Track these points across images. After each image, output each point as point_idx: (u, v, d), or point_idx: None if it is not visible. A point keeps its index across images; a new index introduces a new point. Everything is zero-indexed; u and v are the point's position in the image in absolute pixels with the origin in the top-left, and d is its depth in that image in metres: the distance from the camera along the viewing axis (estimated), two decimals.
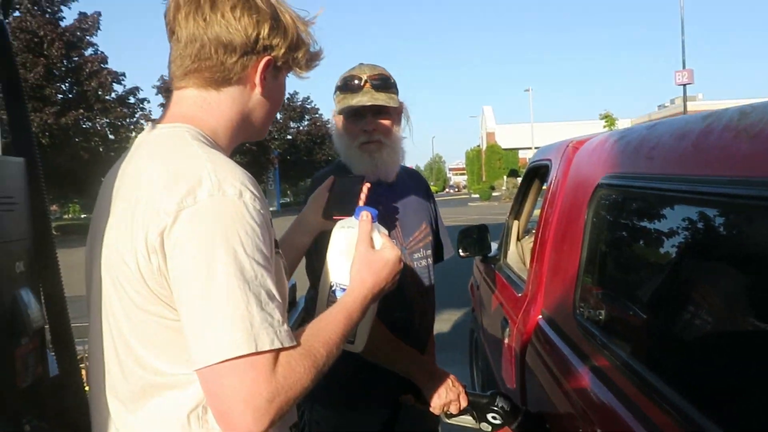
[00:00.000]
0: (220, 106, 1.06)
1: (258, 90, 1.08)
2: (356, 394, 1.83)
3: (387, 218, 1.86)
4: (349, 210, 1.43)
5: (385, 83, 1.81)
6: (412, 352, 1.77)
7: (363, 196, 1.53)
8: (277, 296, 0.93)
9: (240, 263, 0.88)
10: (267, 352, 0.87)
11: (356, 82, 1.79)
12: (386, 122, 1.83)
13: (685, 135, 1.29)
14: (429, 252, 1.98)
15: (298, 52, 1.12)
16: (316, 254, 1.68)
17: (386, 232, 1.29)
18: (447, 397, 1.70)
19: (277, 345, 0.88)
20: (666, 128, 1.44)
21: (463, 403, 1.73)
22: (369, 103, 1.76)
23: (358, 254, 1.19)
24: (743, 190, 1.00)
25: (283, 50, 1.08)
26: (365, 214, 1.26)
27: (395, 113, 1.87)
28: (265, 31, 1.04)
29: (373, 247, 1.21)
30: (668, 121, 1.51)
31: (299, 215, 1.60)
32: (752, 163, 1.01)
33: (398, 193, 1.93)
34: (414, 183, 2.03)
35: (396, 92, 1.85)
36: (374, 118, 1.81)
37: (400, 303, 1.84)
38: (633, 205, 1.56)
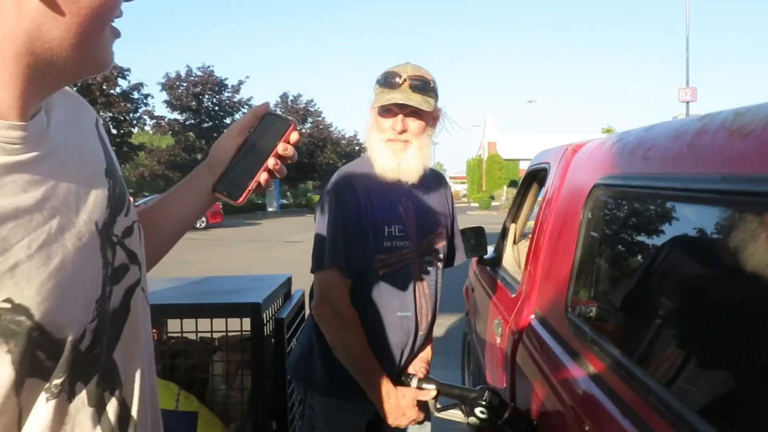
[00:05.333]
0: None
1: None
2: (353, 386, 1.83)
3: (405, 217, 1.87)
4: (239, 189, 1.02)
5: (424, 85, 1.80)
6: (374, 368, 1.79)
7: (279, 148, 1.02)
8: None
9: None
10: None
11: (396, 79, 1.79)
12: (418, 124, 1.82)
13: (681, 135, 1.30)
14: (441, 256, 1.98)
15: None
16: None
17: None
18: (408, 417, 1.78)
19: None
20: (662, 130, 1.46)
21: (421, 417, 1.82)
22: (402, 102, 1.76)
23: None
24: (736, 186, 1.01)
25: None
26: None
27: (429, 117, 1.86)
28: None
29: None
30: (664, 123, 1.52)
31: (197, 167, 1.12)
32: (745, 160, 1.02)
33: (420, 194, 1.92)
34: (437, 185, 2.02)
35: (434, 97, 1.84)
36: (406, 117, 1.80)
37: (404, 303, 1.86)
38: (628, 204, 1.57)
